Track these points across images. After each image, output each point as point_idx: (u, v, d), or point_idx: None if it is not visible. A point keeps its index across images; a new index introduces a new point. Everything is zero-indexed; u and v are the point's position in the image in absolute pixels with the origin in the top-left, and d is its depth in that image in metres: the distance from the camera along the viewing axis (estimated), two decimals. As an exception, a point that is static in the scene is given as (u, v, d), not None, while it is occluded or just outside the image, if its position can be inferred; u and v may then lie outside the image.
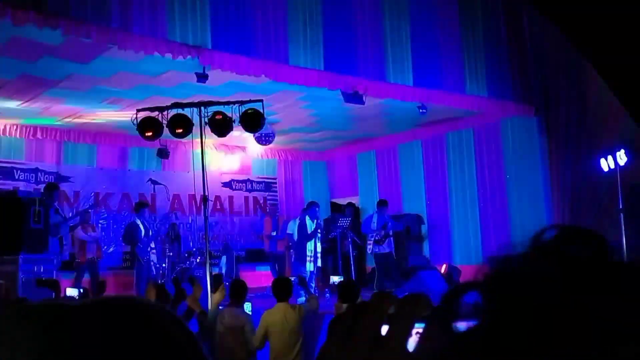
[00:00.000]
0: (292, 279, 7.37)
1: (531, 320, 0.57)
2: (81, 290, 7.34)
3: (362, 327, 0.63)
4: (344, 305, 5.84)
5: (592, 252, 0.62)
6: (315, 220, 11.05)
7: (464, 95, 9.94)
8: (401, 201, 13.75)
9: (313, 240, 10.91)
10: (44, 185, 10.82)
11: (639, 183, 9.91)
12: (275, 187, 14.91)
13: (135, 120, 7.22)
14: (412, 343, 0.62)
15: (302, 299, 8.08)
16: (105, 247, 11.79)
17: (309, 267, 10.77)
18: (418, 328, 0.62)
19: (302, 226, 11.07)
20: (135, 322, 0.70)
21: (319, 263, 10.99)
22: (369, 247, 11.74)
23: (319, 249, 10.97)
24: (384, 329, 0.63)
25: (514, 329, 0.57)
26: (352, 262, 11.06)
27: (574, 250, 0.61)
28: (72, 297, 6.67)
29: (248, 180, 14.45)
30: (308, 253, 10.83)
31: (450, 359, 0.60)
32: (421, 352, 0.61)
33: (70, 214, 10.96)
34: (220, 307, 6.30)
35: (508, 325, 0.57)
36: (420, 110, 10.13)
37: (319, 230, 11.08)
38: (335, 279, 10.30)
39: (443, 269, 11.70)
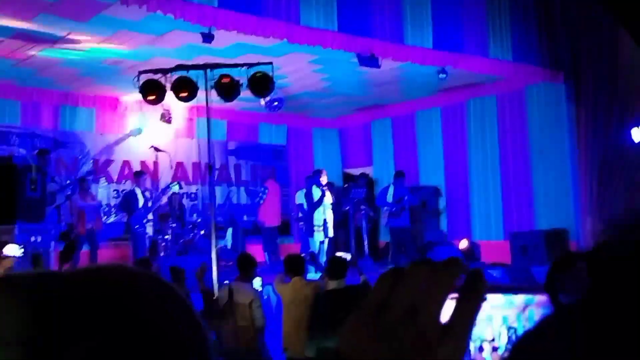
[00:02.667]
0: (302, 255, 7.42)
1: None
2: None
3: (399, 298, 0.61)
4: (332, 283, 5.82)
5: None
6: (321, 188, 11.07)
7: (487, 59, 9.85)
8: (418, 172, 13.73)
9: (322, 210, 10.93)
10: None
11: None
12: (285, 155, 14.92)
13: (137, 83, 7.22)
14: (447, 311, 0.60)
15: (313, 275, 8.13)
16: (105, 217, 11.89)
17: (318, 237, 10.82)
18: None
19: (309, 195, 11.10)
20: (123, 291, 0.72)
21: (330, 233, 10.99)
22: (384, 220, 11.78)
23: (329, 218, 10.98)
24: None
25: (628, 299, 0.58)
26: (365, 236, 11.10)
27: None
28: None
29: (256, 148, 14.46)
30: (316, 223, 10.87)
31: (559, 328, 0.61)
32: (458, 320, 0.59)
33: (68, 181, 11.03)
34: (226, 282, 6.36)
35: (620, 296, 0.59)
36: (440, 75, 10.06)
37: (327, 199, 11.07)
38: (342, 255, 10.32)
39: (464, 244, 11.72)
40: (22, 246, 7.41)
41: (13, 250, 7.03)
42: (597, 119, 10.82)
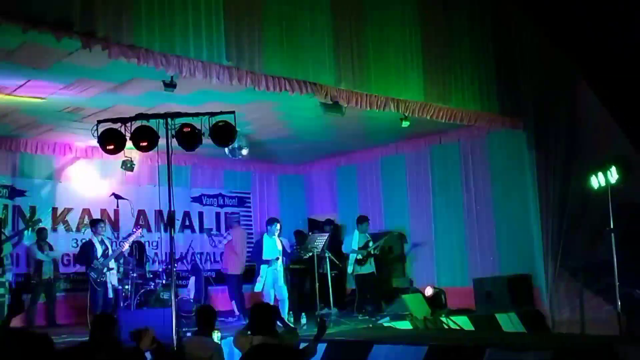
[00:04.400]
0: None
1: None
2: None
3: None
4: (256, 338, 5.40)
5: None
6: (275, 237, 10.93)
7: (450, 107, 9.97)
8: (383, 218, 13.75)
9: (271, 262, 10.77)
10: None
11: (631, 201, 10.01)
12: (249, 202, 14.84)
13: (95, 133, 7.11)
14: None
15: None
16: (64, 267, 11.63)
17: (257, 287, 10.64)
18: None
19: (259, 244, 10.96)
20: None
21: (281, 282, 10.76)
22: (350, 267, 11.69)
23: (279, 268, 10.79)
24: None
25: None
26: (329, 284, 10.98)
27: None
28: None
29: (220, 194, 14.36)
30: (261, 273, 10.67)
31: None
32: None
33: (13, 232, 10.76)
34: (188, 334, 6.19)
35: None
36: (403, 122, 10.14)
37: (282, 250, 10.92)
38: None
39: (429, 291, 11.70)
40: None
41: None
42: (557, 165, 10.98)
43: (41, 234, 11.05)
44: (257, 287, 10.65)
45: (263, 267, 10.64)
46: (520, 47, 11.03)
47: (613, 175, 9.83)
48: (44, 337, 4.53)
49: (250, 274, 11.33)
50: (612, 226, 9.65)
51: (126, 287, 10.42)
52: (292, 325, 8.44)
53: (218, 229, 13.81)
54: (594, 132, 10.69)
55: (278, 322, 6.05)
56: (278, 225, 10.98)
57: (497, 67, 10.64)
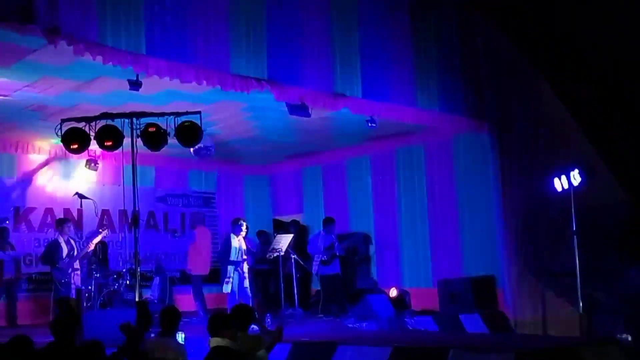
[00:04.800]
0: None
1: None
2: None
3: None
4: (212, 340, 5.35)
5: None
6: (241, 238, 10.86)
7: (415, 109, 10.06)
8: (348, 219, 13.78)
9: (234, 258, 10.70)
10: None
11: (593, 204, 10.19)
12: (214, 202, 14.76)
13: (59, 132, 7.02)
14: None
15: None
16: (26, 267, 11.43)
17: (226, 288, 10.57)
18: None
19: (227, 244, 10.85)
20: None
21: (246, 283, 10.73)
22: (315, 268, 11.71)
23: (245, 269, 10.76)
24: None
25: None
26: (295, 285, 10.98)
27: None
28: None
29: (185, 195, 14.26)
30: (229, 274, 10.59)
31: None
32: None
33: None
34: (152, 335, 6.14)
35: None
36: (369, 124, 10.20)
37: (245, 250, 10.87)
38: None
39: (394, 292, 11.76)
40: None
41: None
42: (521, 168, 11.14)
43: (2, 233, 10.85)
44: (226, 289, 10.58)
45: (230, 268, 10.58)
46: (484, 52, 11.16)
47: (576, 178, 10.02)
48: (22, 337, 4.48)
49: (216, 275, 11.25)
50: (574, 229, 9.83)
51: (89, 287, 10.30)
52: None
53: (183, 229, 13.70)
54: (557, 136, 10.88)
55: (254, 325, 6.05)
56: (244, 225, 10.93)
57: (462, 71, 10.77)
